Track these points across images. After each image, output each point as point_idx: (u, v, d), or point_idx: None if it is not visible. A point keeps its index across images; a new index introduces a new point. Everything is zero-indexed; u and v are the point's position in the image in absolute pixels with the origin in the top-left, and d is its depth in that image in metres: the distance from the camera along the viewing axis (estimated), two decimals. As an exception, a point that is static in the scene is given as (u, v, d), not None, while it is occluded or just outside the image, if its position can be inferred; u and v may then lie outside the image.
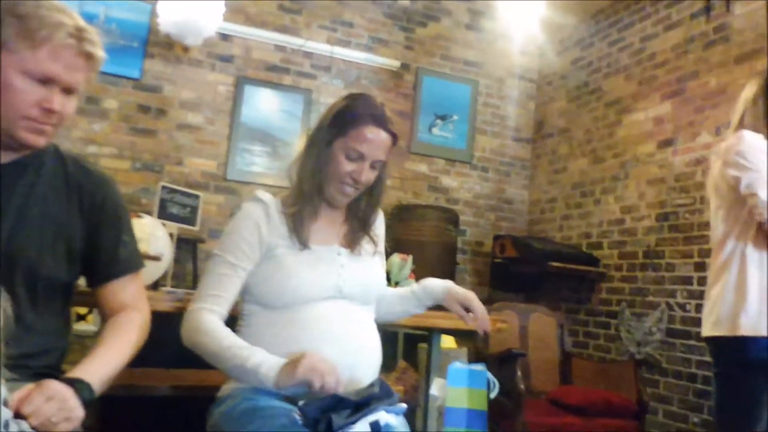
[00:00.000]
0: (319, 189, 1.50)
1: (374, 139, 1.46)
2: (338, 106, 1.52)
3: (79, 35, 1.16)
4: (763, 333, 1.83)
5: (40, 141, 1.19)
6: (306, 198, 1.50)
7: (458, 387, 1.56)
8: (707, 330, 1.97)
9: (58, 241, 1.24)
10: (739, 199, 1.92)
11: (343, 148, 1.46)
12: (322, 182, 1.50)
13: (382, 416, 1.25)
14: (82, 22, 1.19)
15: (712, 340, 1.96)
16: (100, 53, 1.22)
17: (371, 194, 1.59)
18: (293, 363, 1.29)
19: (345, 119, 1.47)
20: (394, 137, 1.51)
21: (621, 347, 4.14)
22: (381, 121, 1.47)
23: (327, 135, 1.49)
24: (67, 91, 1.19)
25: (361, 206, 1.60)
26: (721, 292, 1.93)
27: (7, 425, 0.94)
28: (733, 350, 1.89)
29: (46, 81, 1.15)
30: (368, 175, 1.49)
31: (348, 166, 1.47)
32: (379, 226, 1.68)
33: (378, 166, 1.51)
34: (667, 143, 4.07)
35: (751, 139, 1.92)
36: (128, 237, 1.36)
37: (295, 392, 1.38)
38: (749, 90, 2.04)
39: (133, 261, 1.36)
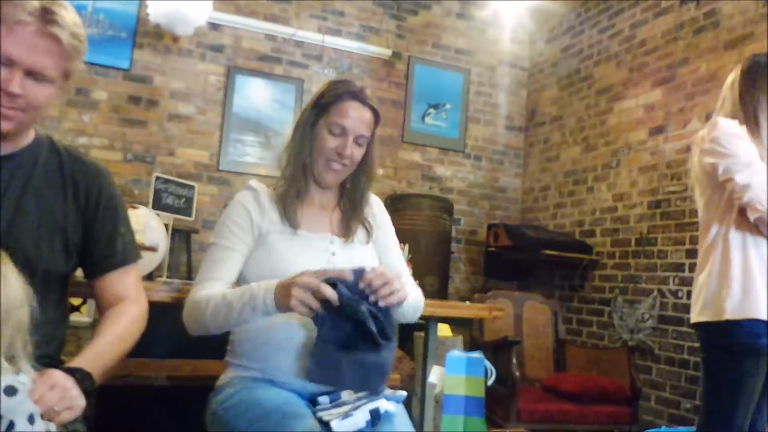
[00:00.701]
0: (305, 170, 1.53)
1: (355, 113, 1.50)
2: (320, 89, 1.58)
3: (42, 15, 1.11)
4: (746, 316, 1.85)
5: (2, 125, 1.14)
6: (293, 179, 1.52)
7: (456, 375, 1.57)
8: (694, 316, 1.98)
9: (54, 233, 1.23)
10: (718, 185, 1.94)
11: (326, 125, 1.51)
12: (309, 162, 1.53)
13: (382, 404, 1.25)
14: (54, 5, 1.13)
15: (699, 326, 1.97)
16: (67, 36, 1.14)
17: (360, 176, 1.60)
18: (286, 288, 1.27)
19: (326, 99, 1.53)
20: (376, 114, 1.55)
21: (614, 334, 4.17)
22: (360, 97, 1.52)
23: (311, 117, 1.54)
24: (34, 75, 1.14)
25: (351, 189, 1.61)
26: (706, 278, 1.94)
27: (32, 418, 0.94)
28: (718, 335, 1.90)
29: (6, 62, 1.10)
30: (353, 150, 1.51)
31: (332, 142, 1.50)
32: (378, 212, 1.68)
33: (362, 142, 1.53)
34: (658, 130, 4.08)
35: (725, 125, 1.93)
36: (125, 228, 1.35)
37: (297, 386, 1.39)
38: (730, 76, 2.06)
39: (130, 252, 1.36)
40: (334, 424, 1.19)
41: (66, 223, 1.25)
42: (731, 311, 1.86)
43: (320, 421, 1.24)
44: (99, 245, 1.30)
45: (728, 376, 1.88)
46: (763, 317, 1.85)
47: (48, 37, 1.13)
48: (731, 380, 1.88)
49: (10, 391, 0.92)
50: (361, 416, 1.22)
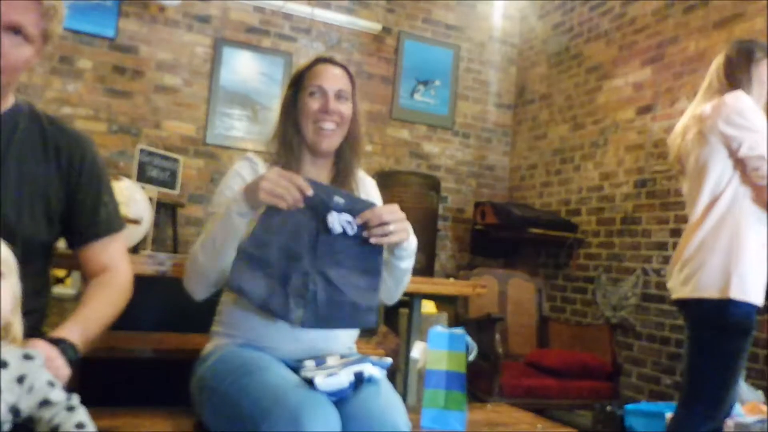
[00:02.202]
0: (292, 147, 1.54)
1: (327, 71, 1.54)
2: (293, 72, 1.63)
3: None
4: (746, 298, 1.86)
5: None
6: (284, 157, 1.53)
7: (438, 350, 1.58)
8: (687, 292, 1.95)
9: (35, 201, 1.22)
10: (733, 159, 1.90)
11: (306, 92, 1.53)
12: (296, 136, 1.54)
13: (367, 368, 1.27)
14: None
15: (691, 302, 1.96)
16: None
17: (344, 147, 1.59)
18: (255, 183, 1.31)
19: (299, 73, 1.58)
20: (350, 75, 1.58)
21: (597, 311, 4.23)
22: (330, 60, 1.57)
23: (291, 94, 1.58)
24: (14, 32, 1.12)
25: (342, 154, 1.61)
26: (709, 255, 1.91)
27: (52, 383, 0.95)
28: (714, 313, 1.90)
29: None
30: (338, 106, 1.52)
31: (314, 104, 1.52)
32: (372, 188, 1.69)
33: (345, 95, 1.54)
34: (646, 109, 4.09)
35: (748, 100, 1.90)
36: (108, 197, 1.34)
37: (283, 354, 1.40)
38: (716, 61, 2.06)
39: (114, 222, 1.35)
40: (317, 381, 1.20)
41: (48, 191, 1.23)
42: (736, 291, 1.85)
43: (304, 380, 1.26)
44: (82, 214, 1.29)
45: (719, 354, 1.90)
46: (757, 302, 1.88)
47: None
48: (722, 358, 1.89)
49: (28, 357, 0.94)
50: (345, 377, 1.24)
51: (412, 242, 1.47)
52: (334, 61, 1.58)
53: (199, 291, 1.45)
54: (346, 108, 1.54)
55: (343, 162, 1.61)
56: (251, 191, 1.31)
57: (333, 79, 1.53)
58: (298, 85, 1.56)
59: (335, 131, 1.53)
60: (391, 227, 1.36)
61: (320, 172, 1.59)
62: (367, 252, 1.38)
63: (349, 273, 1.38)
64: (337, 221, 1.34)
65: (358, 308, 1.38)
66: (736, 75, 1.97)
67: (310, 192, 1.30)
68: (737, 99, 1.90)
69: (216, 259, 1.37)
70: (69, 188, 1.27)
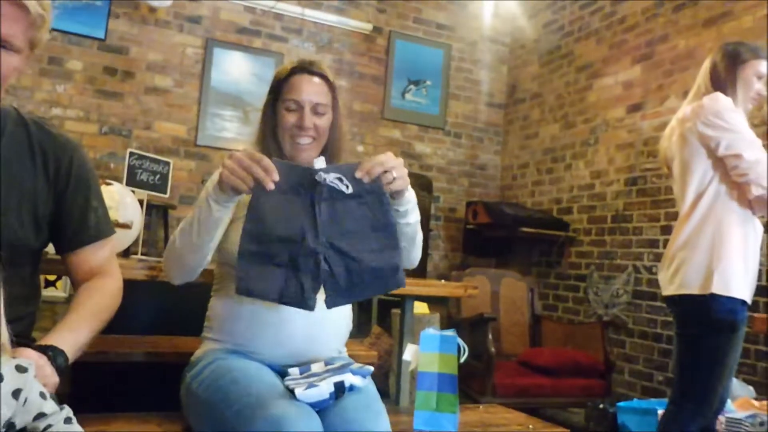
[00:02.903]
0: (277, 146, 1.52)
1: (303, 84, 1.49)
2: (274, 75, 1.58)
3: None
4: (730, 293, 1.88)
5: None
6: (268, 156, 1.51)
7: (430, 352, 1.58)
8: (673, 289, 2.00)
9: (23, 206, 1.20)
10: (714, 159, 1.94)
11: (283, 105, 1.50)
12: (274, 147, 1.52)
13: (348, 377, 1.27)
14: None
15: (678, 299, 2.00)
16: (34, 4, 1.12)
17: (329, 148, 1.57)
18: (220, 172, 1.29)
19: (277, 81, 1.54)
20: (329, 83, 1.53)
21: (589, 309, 4.24)
22: (307, 69, 1.51)
23: (270, 102, 1.55)
24: (1, 44, 1.11)
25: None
26: (690, 252, 1.95)
27: (44, 395, 0.95)
28: (700, 309, 1.93)
29: None
30: (314, 121, 1.49)
31: (290, 118, 1.49)
32: None
33: (322, 110, 1.51)
34: (636, 108, 4.11)
35: (726, 101, 1.94)
36: (97, 202, 1.32)
37: (269, 359, 1.40)
38: (705, 64, 2.08)
39: (104, 227, 1.33)
40: (297, 392, 1.21)
41: (35, 195, 1.22)
42: (718, 286, 1.88)
43: (287, 389, 1.26)
44: (71, 219, 1.27)
45: (707, 350, 1.92)
46: (741, 296, 1.90)
47: (15, 5, 1.10)
48: (710, 354, 1.92)
49: (22, 369, 0.92)
50: (326, 387, 1.23)
51: (412, 192, 1.42)
52: (311, 70, 1.52)
53: (175, 276, 1.46)
54: (323, 121, 1.51)
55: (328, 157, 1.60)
56: (219, 177, 1.29)
57: (310, 93, 1.49)
58: (276, 93, 1.54)
59: (311, 144, 1.51)
60: (394, 173, 1.29)
61: None
62: (373, 208, 1.30)
63: (360, 237, 1.29)
64: (328, 180, 1.26)
65: (381, 272, 1.30)
66: (720, 79, 2.01)
67: (275, 176, 1.24)
68: (715, 101, 1.95)
69: (192, 244, 1.36)
70: (57, 193, 1.25)
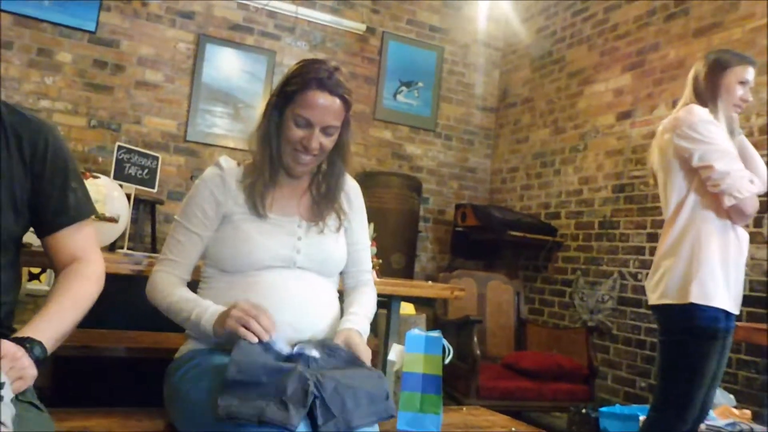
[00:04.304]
0: (272, 158, 1.48)
1: (320, 104, 1.41)
2: (289, 71, 1.48)
3: None
4: (709, 303, 1.91)
5: None
6: (261, 168, 1.48)
7: (415, 353, 1.59)
8: (656, 298, 2.03)
9: (0, 191, 1.18)
10: (690, 169, 1.98)
11: (292, 116, 1.43)
12: (276, 152, 1.48)
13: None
14: None
15: (661, 308, 2.03)
16: None
17: (334, 162, 1.55)
18: (225, 317, 1.31)
19: (292, 86, 1.43)
20: (346, 102, 1.45)
21: (574, 314, 4.27)
22: (327, 86, 1.41)
23: (278, 103, 1.46)
24: None
25: (325, 175, 1.56)
26: (673, 262, 1.98)
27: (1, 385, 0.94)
28: (680, 318, 1.96)
29: None
30: (320, 142, 1.44)
31: (298, 133, 1.43)
32: (355, 198, 1.64)
33: (332, 132, 1.46)
34: (625, 115, 4.14)
35: (701, 112, 1.97)
36: (76, 183, 1.30)
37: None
38: (692, 72, 2.10)
39: (84, 208, 1.31)
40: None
41: (12, 179, 1.20)
42: (696, 295, 1.91)
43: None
44: (50, 201, 1.25)
45: (688, 358, 1.94)
46: (722, 306, 1.91)
47: None
48: (690, 362, 1.94)
49: None
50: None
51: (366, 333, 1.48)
52: (333, 88, 1.41)
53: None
54: (330, 141, 1.47)
55: (327, 176, 1.56)
56: (219, 324, 1.32)
57: (325, 114, 1.41)
58: (287, 98, 1.44)
59: (311, 161, 1.49)
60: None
61: (297, 182, 1.55)
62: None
63: (351, 370, 1.27)
64: (306, 352, 1.28)
65: (374, 396, 1.22)
66: (701, 87, 2.03)
67: (272, 334, 1.27)
68: (689, 113, 1.98)
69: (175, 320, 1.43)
70: (34, 176, 1.23)
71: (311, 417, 1.16)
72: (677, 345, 1.99)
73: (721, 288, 1.92)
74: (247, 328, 1.26)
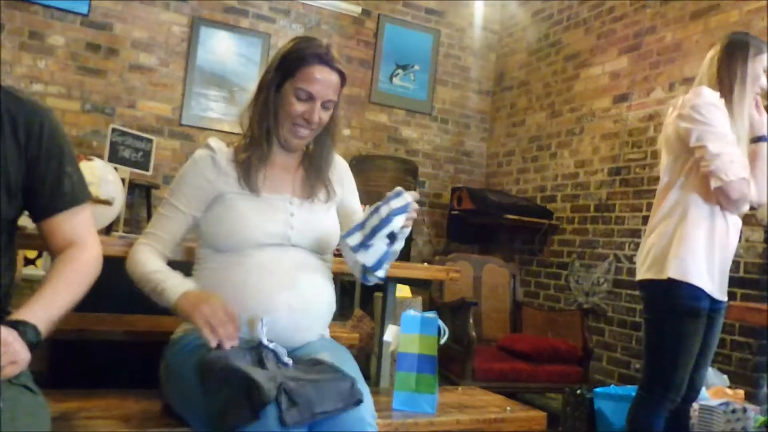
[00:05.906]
0: (269, 133, 1.50)
1: (322, 78, 1.46)
2: (285, 48, 1.52)
3: None
4: (687, 280, 1.92)
5: None
6: (256, 144, 1.50)
7: (410, 333, 1.60)
8: (641, 273, 2.05)
9: None
10: (686, 150, 1.98)
11: (293, 90, 1.46)
12: (273, 126, 1.50)
13: (396, 223, 1.35)
14: None
15: (644, 284, 2.04)
16: None
17: (324, 139, 1.58)
18: (193, 303, 1.31)
19: (292, 61, 1.48)
20: (342, 76, 1.51)
21: (570, 297, 4.29)
22: (326, 60, 1.47)
23: (276, 78, 1.49)
24: None
25: (315, 152, 1.59)
26: (657, 238, 2.00)
27: None
28: (661, 294, 1.98)
29: None
30: (320, 115, 1.49)
31: (299, 107, 1.46)
32: (345, 175, 1.67)
33: (330, 106, 1.50)
34: (622, 98, 4.13)
35: (708, 94, 1.97)
36: (72, 168, 1.29)
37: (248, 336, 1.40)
38: (709, 53, 2.09)
39: (79, 192, 1.30)
40: (360, 258, 1.38)
41: (7, 163, 1.19)
42: (674, 271, 1.92)
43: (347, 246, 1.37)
44: (45, 186, 1.24)
45: (670, 335, 1.96)
46: (702, 286, 1.92)
47: None
48: (672, 339, 1.96)
49: None
50: (381, 244, 1.37)
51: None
52: (331, 63, 1.48)
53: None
54: (327, 115, 1.51)
55: (317, 151, 1.59)
56: (185, 305, 1.32)
57: (326, 88, 1.47)
58: (286, 73, 1.47)
59: (309, 134, 1.52)
60: None
61: (290, 159, 1.57)
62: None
63: (316, 369, 1.28)
64: (271, 346, 1.29)
65: (340, 387, 1.23)
66: (730, 68, 2.01)
67: (234, 343, 1.27)
68: (696, 95, 1.98)
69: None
70: (29, 160, 1.22)
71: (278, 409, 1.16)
72: (660, 322, 2.01)
73: (702, 268, 1.93)
74: (212, 329, 1.27)
